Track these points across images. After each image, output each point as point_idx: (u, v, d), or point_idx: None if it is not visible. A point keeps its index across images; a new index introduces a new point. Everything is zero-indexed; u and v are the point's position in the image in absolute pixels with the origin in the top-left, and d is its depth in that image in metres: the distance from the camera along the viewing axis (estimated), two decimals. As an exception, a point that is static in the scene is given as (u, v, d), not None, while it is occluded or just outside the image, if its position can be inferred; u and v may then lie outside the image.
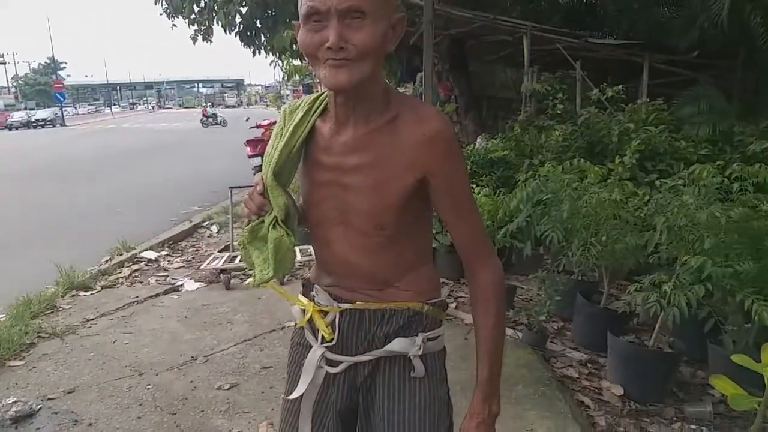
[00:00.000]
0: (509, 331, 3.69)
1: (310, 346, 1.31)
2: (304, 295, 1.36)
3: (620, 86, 6.40)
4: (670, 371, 3.03)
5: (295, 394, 1.30)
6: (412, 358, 1.23)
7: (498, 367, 1.24)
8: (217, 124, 31.81)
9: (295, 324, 1.39)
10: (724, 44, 6.75)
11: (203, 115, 33.18)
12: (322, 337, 1.28)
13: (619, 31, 8.60)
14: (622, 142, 5.03)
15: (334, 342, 1.27)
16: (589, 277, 3.93)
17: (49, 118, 44.58)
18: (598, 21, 9.14)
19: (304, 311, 1.33)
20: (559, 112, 6.98)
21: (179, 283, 4.92)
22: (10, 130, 40.71)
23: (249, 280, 1.29)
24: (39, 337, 3.80)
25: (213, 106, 50.12)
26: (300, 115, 1.22)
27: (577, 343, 3.61)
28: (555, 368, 3.30)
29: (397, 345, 1.23)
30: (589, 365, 3.36)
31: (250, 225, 1.23)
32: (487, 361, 1.23)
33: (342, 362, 1.27)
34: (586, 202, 3.39)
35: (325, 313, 1.29)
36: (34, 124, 43.12)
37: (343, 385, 1.30)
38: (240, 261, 4.93)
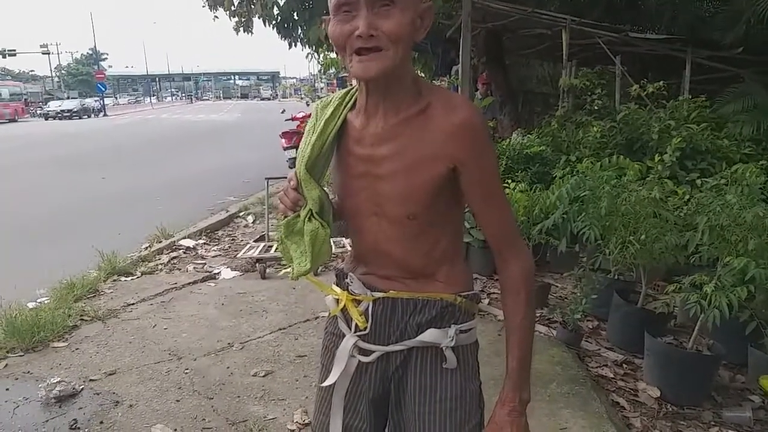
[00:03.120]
0: (543, 329, 3.67)
1: (343, 336, 1.33)
2: (337, 285, 1.38)
3: (661, 82, 6.24)
4: (709, 374, 2.97)
5: (327, 382, 1.32)
6: (444, 349, 1.24)
7: (528, 356, 1.24)
8: None
9: (329, 313, 1.42)
10: (771, 40, 6.52)
11: None
12: (356, 326, 1.30)
13: (661, 26, 8.37)
14: (662, 140, 4.93)
15: (367, 331, 1.28)
16: (626, 277, 3.87)
17: (75, 109, 42.09)
18: (639, 15, 8.91)
19: (337, 301, 1.35)
20: (597, 107, 6.86)
21: (216, 271, 5.03)
22: (46, 119, 40.41)
23: (285, 271, 1.31)
24: (81, 319, 3.93)
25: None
26: (331, 110, 1.24)
27: (613, 343, 3.57)
28: (590, 367, 3.27)
29: (429, 335, 1.24)
30: (624, 366, 3.31)
31: (285, 220, 1.25)
32: (517, 351, 1.23)
33: (374, 351, 1.29)
34: (625, 199, 3.34)
35: (358, 302, 1.30)
36: (59, 115, 40.69)
37: (375, 375, 1.32)
38: (275, 251, 5.01)
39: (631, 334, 3.35)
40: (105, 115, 44.15)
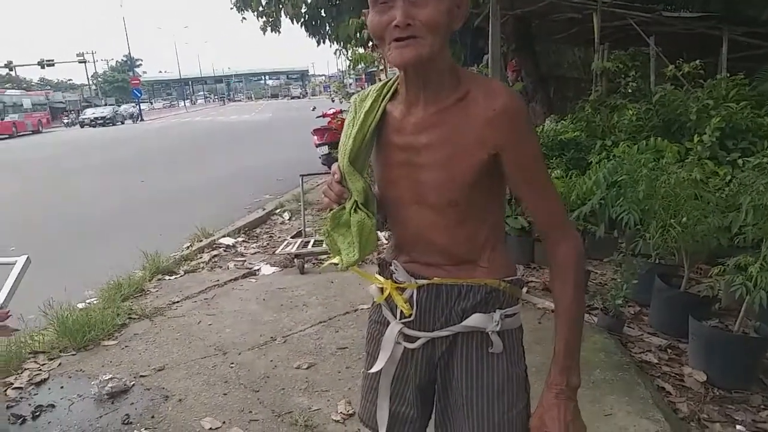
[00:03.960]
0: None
1: (388, 323, 1.34)
2: (380, 275, 1.39)
3: (697, 61, 6.09)
4: (757, 357, 2.90)
5: (375, 368, 1.33)
6: (490, 333, 1.24)
7: (575, 340, 1.23)
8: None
9: (373, 302, 1.43)
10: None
11: None
12: (401, 313, 1.31)
13: (695, 3, 8.15)
14: (700, 120, 4.81)
15: (412, 318, 1.29)
16: (667, 261, 3.80)
17: (108, 116, 42.63)
18: (672, -7, 8.72)
19: (381, 289, 1.36)
20: (631, 90, 6.73)
21: (256, 268, 5.12)
22: (82, 126, 41.20)
23: (331, 261, 1.32)
24: (129, 318, 4.06)
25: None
26: (370, 101, 1.26)
27: (656, 328, 3.52)
28: (633, 353, 3.23)
29: (474, 320, 1.24)
30: (668, 351, 3.26)
31: (331, 212, 1.28)
32: (565, 334, 1.22)
33: (419, 338, 1.30)
34: (664, 182, 3.28)
35: (402, 290, 1.31)
36: (93, 122, 41.24)
37: (421, 361, 1.33)
38: (312, 246, 5.08)
39: (675, 319, 3.30)
40: (142, 120, 45.15)
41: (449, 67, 1.18)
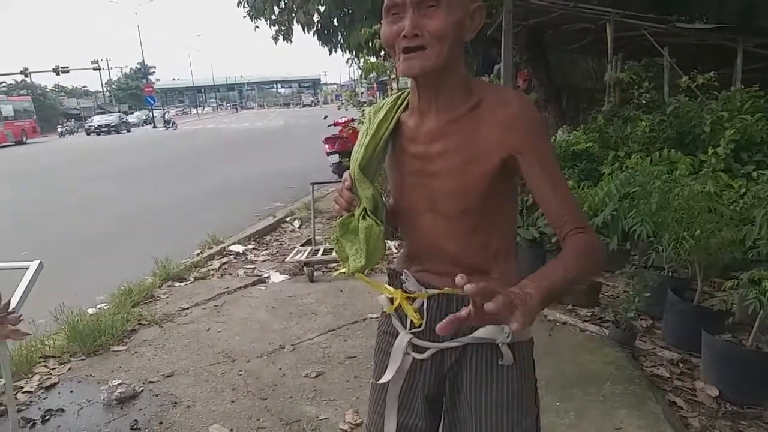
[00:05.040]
0: (595, 328, 3.61)
1: (397, 334, 1.33)
2: (389, 284, 1.39)
3: (712, 73, 6.05)
4: (771, 372, 2.87)
5: (383, 379, 1.33)
6: (500, 345, 1.23)
7: (561, 286, 1.06)
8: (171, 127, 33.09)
9: (382, 312, 1.42)
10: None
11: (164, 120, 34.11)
12: (410, 323, 1.30)
13: (709, 14, 8.13)
14: (714, 132, 4.77)
15: (421, 328, 1.29)
16: (680, 274, 3.76)
17: (113, 124, 40.13)
18: (686, 4, 8.68)
19: (391, 300, 1.36)
20: (645, 101, 6.70)
21: (266, 275, 5.13)
22: (88, 134, 39.08)
23: (341, 271, 1.32)
24: (139, 324, 4.07)
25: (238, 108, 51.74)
26: (384, 112, 1.28)
27: (668, 342, 3.48)
28: (644, 367, 3.19)
29: (485, 331, 1.22)
30: (681, 365, 3.22)
31: (340, 219, 1.29)
32: (547, 272, 1.08)
33: (429, 348, 1.29)
34: (678, 194, 3.25)
35: (412, 300, 1.31)
36: (97, 131, 39.18)
37: (430, 372, 1.32)
38: (322, 254, 5.08)
39: (688, 333, 3.26)
40: (154, 126, 45.41)
41: (461, 76, 1.19)
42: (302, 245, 5.67)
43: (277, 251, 6.01)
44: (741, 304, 2.83)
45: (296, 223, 7.22)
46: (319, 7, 9.73)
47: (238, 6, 10.72)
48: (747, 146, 4.49)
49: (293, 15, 9.86)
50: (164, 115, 48.48)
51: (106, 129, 39.57)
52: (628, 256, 3.88)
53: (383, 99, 1.38)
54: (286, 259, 5.26)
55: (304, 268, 5.00)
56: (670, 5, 8.49)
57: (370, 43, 7.96)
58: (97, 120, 41.82)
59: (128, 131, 41.32)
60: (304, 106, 80.00)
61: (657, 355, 3.33)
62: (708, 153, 4.22)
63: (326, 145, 10.56)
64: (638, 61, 8.53)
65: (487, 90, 1.20)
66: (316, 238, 5.74)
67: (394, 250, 5.04)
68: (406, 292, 1.33)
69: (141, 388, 3.16)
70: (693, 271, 3.41)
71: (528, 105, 1.18)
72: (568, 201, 1.19)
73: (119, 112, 48.22)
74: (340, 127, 10.63)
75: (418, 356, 1.30)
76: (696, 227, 3.11)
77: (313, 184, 6.03)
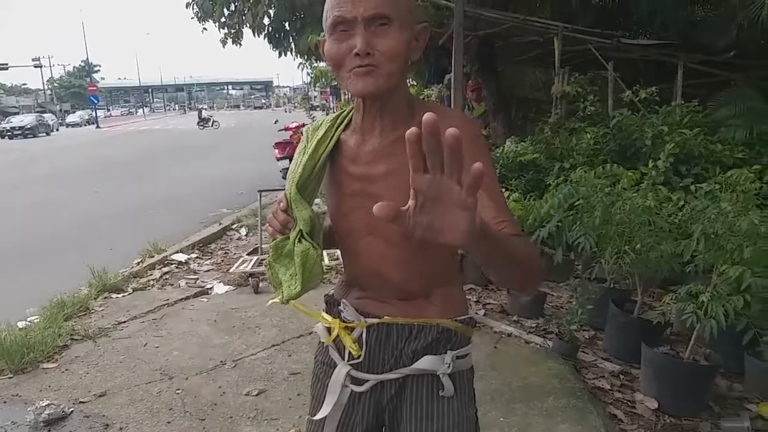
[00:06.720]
0: (539, 340, 3.64)
1: (335, 365, 1.29)
2: (327, 313, 1.35)
3: (654, 87, 6.24)
4: (706, 384, 2.94)
5: (320, 415, 1.28)
6: (441, 376, 1.20)
7: (506, 248, 0.94)
8: (209, 126, 32.80)
9: (320, 341, 1.38)
10: (763, 44, 6.54)
11: (199, 118, 33.94)
12: (349, 354, 1.26)
13: (652, 31, 8.40)
14: (655, 146, 4.91)
15: (360, 359, 1.25)
16: (622, 285, 3.84)
17: (29, 126, 35.49)
18: (630, 21, 8.96)
19: (329, 329, 1.31)
20: (590, 113, 6.85)
21: (209, 286, 4.97)
22: (2, 137, 33.92)
23: (273, 300, 1.25)
24: (72, 339, 3.86)
25: (207, 110, 50.86)
26: (323, 131, 1.23)
27: (610, 354, 3.53)
28: (587, 379, 3.23)
29: (426, 363, 1.21)
30: (621, 376, 3.28)
31: (274, 242, 1.23)
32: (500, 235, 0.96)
33: (368, 380, 1.25)
34: (620, 208, 3.31)
35: (351, 330, 1.27)
36: (9, 133, 34.28)
37: (368, 404, 1.28)
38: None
39: (628, 344, 3.32)
40: (98, 127, 43.92)
41: (405, 96, 1.17)
42: (248, 254, 5.52)
43: (222, 260, 5.84)
44: (679, 316, 2.89)
45: (243, 231, 7.05)
46: (270, 10, 9.58)
47: (187, 7, 10.45)
48: (686, 160, 4.63)
49: (243, 18, 9.67)
50: (94, 112, 46.70)
51: (19, 132, 34.76)
52: (573, 267, 3.94)
53: (337, 103, 1.33)
54: (231, 270, 5.11)
55: (249, 279, 4.87)
56: (616, 21, 8.75)
57: (319, 50, 7.91)
58: (17, 120, 37.63)
59: (47, 134, 36.59)
60: (255, 107, 79.30)
61: (599, 367, 3.38)
62: (649, 166, 4.32)
63: (276, 150, 10.42)
64: (584, 74, 8.74)
65: (429, 109, 1.16)
66: (263, 246, 5.60)
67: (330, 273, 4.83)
68: (344, 321, 1.28)
69: (71, 409, 2.99)
70: (634, 283, 3.48)
71: (468, 121, 1.17)
72: (504, 210, 1.14)
73: (60, 111, 45.86)
74: (290, 132, 10.52)
75: (357, 389, 1.26)
76: (636, 241, 3.17)
77: (261, 191, 5.89)
